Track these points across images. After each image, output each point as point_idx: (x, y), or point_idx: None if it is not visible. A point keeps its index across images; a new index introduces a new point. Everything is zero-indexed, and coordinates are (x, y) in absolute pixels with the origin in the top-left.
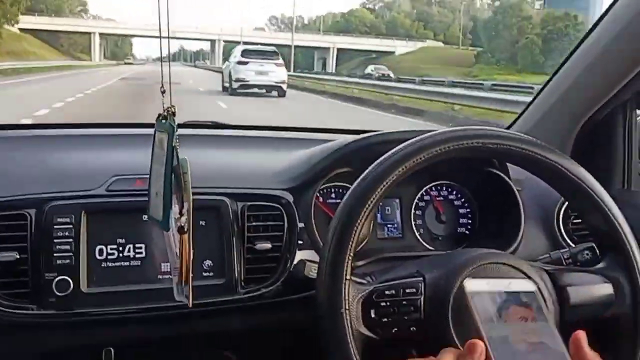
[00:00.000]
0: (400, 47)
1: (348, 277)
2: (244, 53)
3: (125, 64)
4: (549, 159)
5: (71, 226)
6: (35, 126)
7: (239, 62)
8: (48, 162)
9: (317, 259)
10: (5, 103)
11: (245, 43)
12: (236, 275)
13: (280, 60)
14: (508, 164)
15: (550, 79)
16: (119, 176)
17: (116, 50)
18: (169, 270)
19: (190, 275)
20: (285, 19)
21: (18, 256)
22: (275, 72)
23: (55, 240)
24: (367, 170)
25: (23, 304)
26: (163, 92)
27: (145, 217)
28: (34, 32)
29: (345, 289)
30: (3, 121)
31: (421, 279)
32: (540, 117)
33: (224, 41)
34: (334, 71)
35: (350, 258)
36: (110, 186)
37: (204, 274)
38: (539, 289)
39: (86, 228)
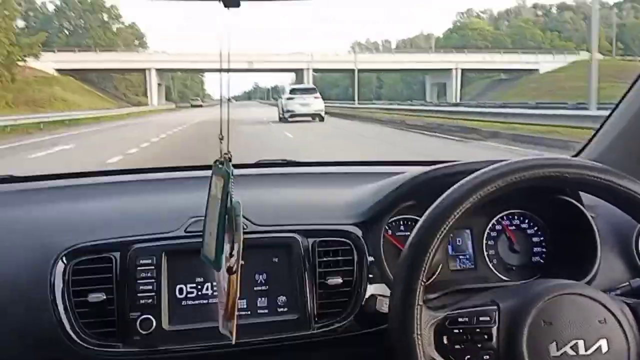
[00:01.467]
0: (544, 62)
1: (420, 302)
2: (291, 91)
3: (192, 106)
4: (624, 186)
5: (153, 267)
6: (114, 172)
7: (288, 98)
8: (129, 207)
9: (388, 293)
10: None
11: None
12: (309, 310)
13: (318, 94)
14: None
15: (620, 102)
16: (196, 217)
17: (185, 90)
18: (245, 306)
19: (236, 312)
20: (370, 43)
21: (105, 297)
22: (314, 104)
23: (138, 281)
24: (440, 198)
25: (110, 342)
26: (221, 139)
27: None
28: (79, 72)
29: (417, 314)
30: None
31: (495, 307)
32: (611, 141)
33: (314, 70)
34: (458, 100)
35: (423, 283)
36: (189, 227)
37: (279, 309)
38: (618, 322)
39: (167, 268)
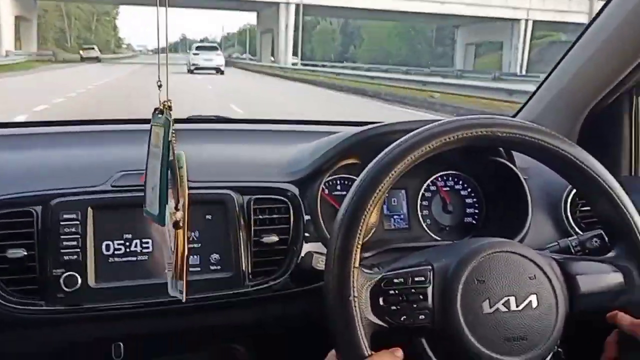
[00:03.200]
0: None
1: (356, 264)
2: (197, 48)
3: (83, 59)
4: (557, 147)
5: (77, 222)
6: (37, 123)
7: (194, 54)
8: (52, 159)
9: (324, 251)
10: None
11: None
12: (244, 268)
13: (219, 52)
14: (514, 153)
15: (555, 67)
16: (124, 172)
17: (89, 37)
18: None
19: (185, 270)
20: None
21: (25, 253)
22: (215, 59)
23: (62, 237)
24: (376, 158)
25: (32, 300)
26: (160, 87)
27: None
28: None
29: (353, 276)
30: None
31: (430, 267)
32: (545, 105)
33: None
34: (524, 71)
35: (358, 246)
36: (116, 182)
37: (212, 267)
38: (547, 277)
39: (93, 224)
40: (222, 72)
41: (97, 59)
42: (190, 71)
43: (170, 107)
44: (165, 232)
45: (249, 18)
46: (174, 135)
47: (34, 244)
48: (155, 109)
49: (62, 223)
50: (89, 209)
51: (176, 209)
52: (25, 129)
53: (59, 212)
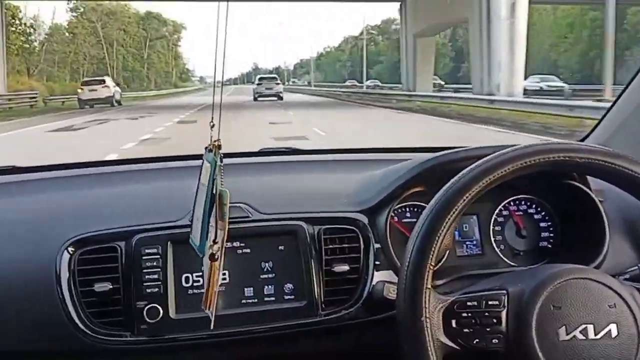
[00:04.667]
0: None
1: (429, 286)
2: (259, 79)
3: (83, 102)
4: (633, 170)
5: (158, 256)
6: (116, 162)
7: (257, 84)
8: (134, 196)
9: (395, 279)
10: None
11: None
12: (316, 297)
13: (278, 81)
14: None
15: (627, 87)
16: None
17: (137, 67)
18: (252, 294)
19: (214, 300)
20: None
21: (111, 286)
22: (275, 88)
23: (144, 270)
24: (448, 184)
25: (117, 331)
26: (212, 127)
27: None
28: None
29: (426, 297)
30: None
31: (504, 291)
32: (618, 126)
33: None
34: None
35: (431, 267)
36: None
37: (286, 297)
38: (628, 306)
39: (172, 257)
40: (281, 98)
41: (110, 101)
42: (255, 99)
43: (219, 147)
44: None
45: (330, 41)
46: (222, 171)
47: (118, 278)
48: (206, 147)
49: (144, 257)
50: (169, 243)
51: (214, 241)
52: (107, 167)
53: (142, 247)
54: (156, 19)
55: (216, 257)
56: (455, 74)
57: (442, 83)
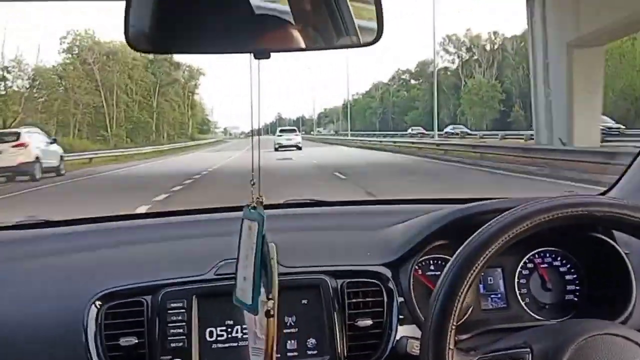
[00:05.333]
0: None
1: (452, 346)
2: (280, 131)
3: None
4: None
5: (184, 310)
6: (143, 215)
7: (278, 135)
8: (159, 250)
9: (418, 334)
10: None
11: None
12: (339, 352)
13: (297, 133)
14: None
15: None
16: (225, 260)
17: (142, 119)
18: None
19: (275, 356)
20: None
21: (137, 340)
22: (294, 139)
23: (169, 325)
24: (470, 238)
25: None
26: (253, 184)
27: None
28: None
29: (449, 358)
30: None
31: (529, 350)
32: None
33: None
34: None
35: (453, 327)
36: (219, 270)
37: (309, 352)
38: None
39: (197, 311)
40: (300, 148)
41: (32, 172)
42: (276, 149)
43: (262, 203)
44: (251, 319)
45: (358, 88)
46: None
47: (144, 332)
48: (247, 205)
49: (169, 312)
50: (194, 297)
51: (268, 298)
52: (134, 221)
53: (167, 301)
54: (167, 62)
55: (272, 313)
56: (505, 120)
57: (620, 127)
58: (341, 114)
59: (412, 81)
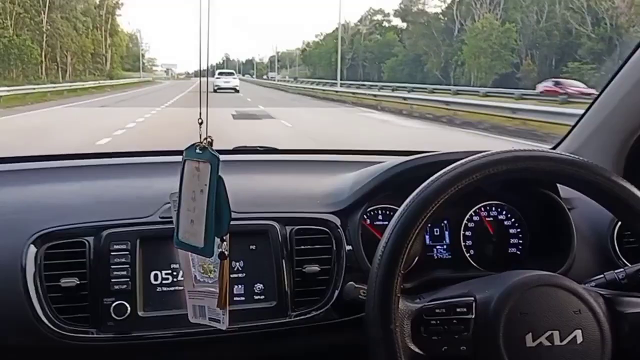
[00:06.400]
0: None
1: (398, 294)
2: (219, 74)
3: None
4: (600, 180)
5: (127, 252)
6: (86, 155)
7: (217, 78)
8: (103, 191)
9: (366, 281)
10: None
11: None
12: (286, 298)
13: (235, 76)
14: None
15: (599, 96)
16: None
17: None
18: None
19: (228, 299)
20: None
21: (78, 282)
22: (232, 82)
23: (112, 267)
24: (417, 190)
25: (83, 327)
26: (200, 124)
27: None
28: None
29: (394, 305)
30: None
31: (472, 299)
32: (589, 135)
33: None
34: None
35: (400, 275)
36: (164, 213)
37: (255, 297)
38: (593, 312)
39: (141, 254)
40: (237, 91)
41: None
42: (214, 91)
43: (211, 143)
44: (188, 262)
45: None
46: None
47: (86, 274)
48: (195, 144)
49: (112, 253)
50: (138, 239)
51: (222, 240)
52: (79, 161)
53: (110, 242)
54: None
55: (226, 255)
56: (512, 76)
57: None
58: (298, 58)
59: (386, 23)
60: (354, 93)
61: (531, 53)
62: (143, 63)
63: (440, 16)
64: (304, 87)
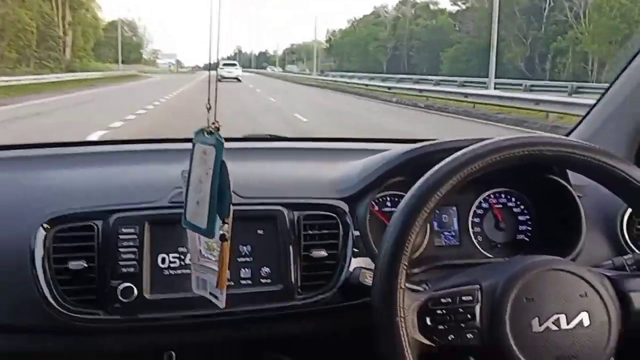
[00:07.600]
0: None
1: (403, 285)
2: (223, 65)
3: None
4: (611, 165)
5: (135, 236)
6: (97, 143)
7: (220, 68)
8: (112, 176)
9: (372, 266)
10: None
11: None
12: (293, 282)
13: (238, 66)
14: (568, 170)
15: (613, 83)
16: (180, 188)
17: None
18: (228, 277)
19: (226, 281)
20: None
21: (86, 265)
22: (235, 72)
23: (120, 250)
24: (422, 178)
25: (90, 309)
26: (209, 109)
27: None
28: None
29: (400, 297)
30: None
31: (478, 286)
32: (602, 122)
33: None
34: None
35: (404, 267)
36: (173, 198)
37: (262, 280)
38: (599, 294)
39: (149, 238)
40: (239, 80)
41: None
42: (218, 80)
43: (218, 128)
44: (195, 239)
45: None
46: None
47: (94, 257)
48: (202, 129)
49: (120, 237)
50: (146, 223)
51: (224, 222)
52: (89, 147)
53: (119, 226)
54: None
55: (227, 237)
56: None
57: None
58: (321, 49)
59: (432, 6)
60: (420, 91)
61: None
62: (140, 53)
63: None
64: (347, 83)
